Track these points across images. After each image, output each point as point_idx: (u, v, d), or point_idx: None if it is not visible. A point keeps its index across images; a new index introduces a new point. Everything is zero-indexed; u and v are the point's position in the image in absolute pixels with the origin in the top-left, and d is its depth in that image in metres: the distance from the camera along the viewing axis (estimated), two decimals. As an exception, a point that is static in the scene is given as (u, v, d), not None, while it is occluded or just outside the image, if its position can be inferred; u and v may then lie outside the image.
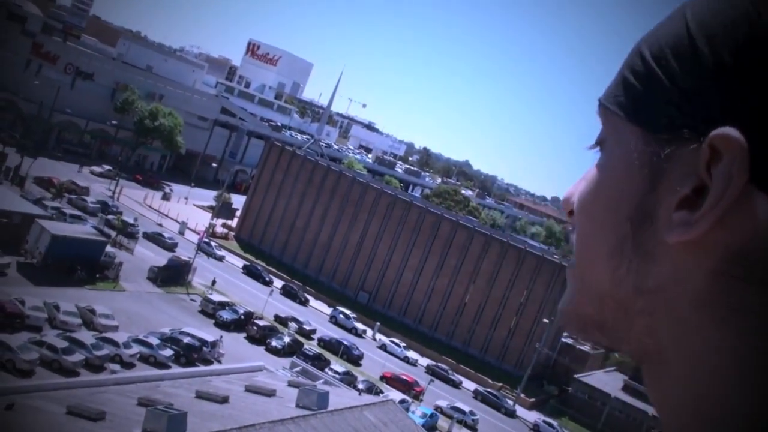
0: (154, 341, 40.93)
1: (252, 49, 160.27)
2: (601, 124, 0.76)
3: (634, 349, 0.69)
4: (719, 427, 0.57)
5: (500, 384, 61.77)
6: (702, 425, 0.58)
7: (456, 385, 59.27)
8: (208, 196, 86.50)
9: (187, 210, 78.81)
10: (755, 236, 0.57)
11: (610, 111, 0.73)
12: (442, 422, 48.57)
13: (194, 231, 70.83)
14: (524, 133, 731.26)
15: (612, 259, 0.68)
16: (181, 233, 69.72)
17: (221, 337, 45.99)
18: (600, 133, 0.76)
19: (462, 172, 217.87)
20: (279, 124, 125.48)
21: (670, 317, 0.63)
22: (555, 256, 73.94)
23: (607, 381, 66.96)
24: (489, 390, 59.36)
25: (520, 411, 58.34)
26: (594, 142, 0.78)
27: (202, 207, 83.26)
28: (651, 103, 0.67)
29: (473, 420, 50.84)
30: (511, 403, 58.32)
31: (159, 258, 56.82)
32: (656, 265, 0.64)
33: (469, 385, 60.16)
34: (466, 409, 51.46)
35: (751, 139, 0.58)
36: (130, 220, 62.36)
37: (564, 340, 70.52)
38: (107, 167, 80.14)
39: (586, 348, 72.48)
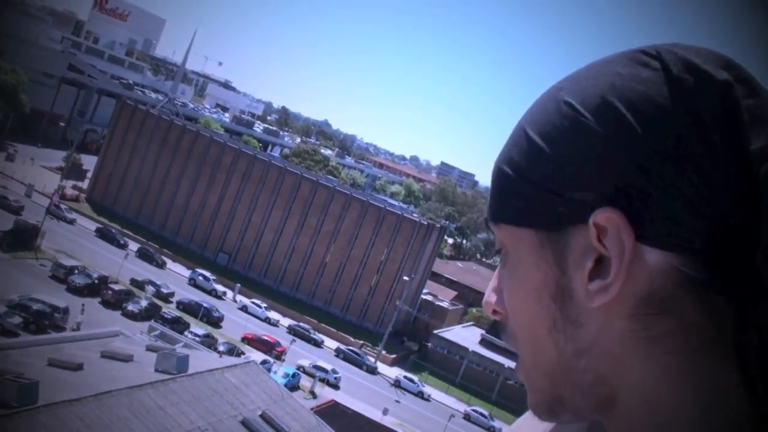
0: (1, 308, 38.90)
1: (100, 3, 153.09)
2: (495, 233, 0.85)
3: (590, 405, 0.78)
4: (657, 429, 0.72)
5: (361, 342, 62.46)
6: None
7: (318, 344, 59.51)
8: (57, 157, 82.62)
9: (34, 171, 75.10)
10: (652, 278, 0.69)
11: (502, 226, 0.82)
12: (305, 381, 48.70)
13: (42, 193, 67.61)
14: (382, 92, 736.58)
15: (551, 335, 0.78)
16: (28, 196, 66.43)
17: (83, 305, 44.17)
18: (497, 241, 0.85)
19: (321, 131, 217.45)
20: (131, 81, 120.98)
21: (609, 362, 0.74)
22: (414, 215, 75.10)
23: (465, 335, 68.91)
24: (351, 348, 59.93)
25: (382, 367, 59.27)
26: (496, 249, 0.87)
27: (50, 168, 79.53)
28: (536, 210, 0.77)
29: (335, 378, 51.23)
30: (372, 360, 59.13)
31: (4, 222, 53.87)
32: (584, 327, 0.75)
33: (331, 343, 60.54)
34: (329, 367, 51.79)
35: (625, 209, 0.70)
36: (-29, 183, 58.89)
37: (423, 296, 71.96)
38: (-57, 127, 75.24)
39: (444, 304, 74.26)
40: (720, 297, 0.68)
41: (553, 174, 0.75)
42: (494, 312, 0.88)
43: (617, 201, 0.70)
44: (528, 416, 0.82)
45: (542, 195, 0.76)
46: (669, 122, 0.69)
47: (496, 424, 54.89)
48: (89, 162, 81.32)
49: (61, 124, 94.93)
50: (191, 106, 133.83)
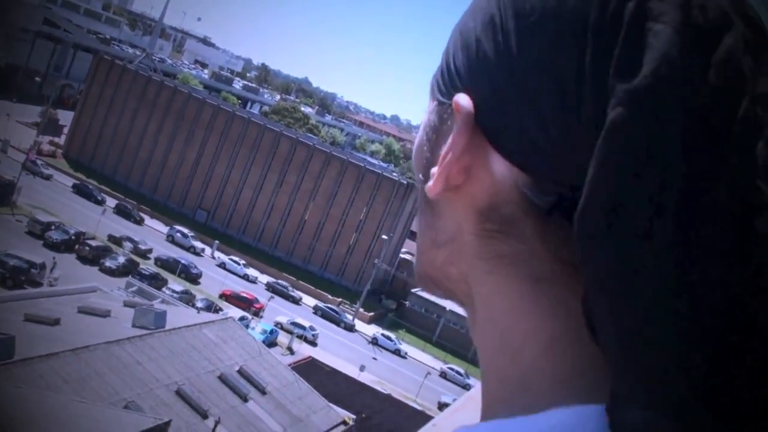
0: (-23, 264, 38.83)
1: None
2: None
3: (459, 297, 0.73)
4: (511, 357, 0.64)
5: (339, 299, 62.76)
6: (499, 359, 0.65)
7: (296, 301, 59.76)
8: (33, 112, 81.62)
9: (10, 127, 74.16)
10: (495, 190, 0.62)
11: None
12: (283, 338, 49.00)
13: (18, 149, 66.96)
14: (363, 50, 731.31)
15: (420, 213, 0.73)
16: (4, 151, 65.79)
17: (54, 258, 44.07)
18: None
19: (301, 89, 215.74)
20: (108, 36, 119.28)
21: (466, 265, 0.67)
22: (394, 174, 75.04)
23: (442, 293, 69.26)
24: (329, 305, 60.24)
25: (359, 325, 59.66)
26: None
27: (26, 123, 78.61)
28: (438, 76, 0.69)
29: (313, 335, 51.55)
30: (350, 317, 59.49)
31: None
32: (442, 218, 0.68)
33: (309, 301, 60.83)
34: (306, 324, 52.09)
35: (483, 101, 0.62)
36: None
37: (402, 255, 72.20)
38: None
39: (422, 262, 74.37)
40: (561, 229, 0.59)
41: (455, 45, 0.67)
42: None
43: (477, 91, 0.63)
44: None
45: (446, 64, 0.68)
46: (545, 25, 0.58)
47: (471, 381, 55.51)
48: (66, 118, 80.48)
49: (37, 79, 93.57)
50: (169, 61, 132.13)
